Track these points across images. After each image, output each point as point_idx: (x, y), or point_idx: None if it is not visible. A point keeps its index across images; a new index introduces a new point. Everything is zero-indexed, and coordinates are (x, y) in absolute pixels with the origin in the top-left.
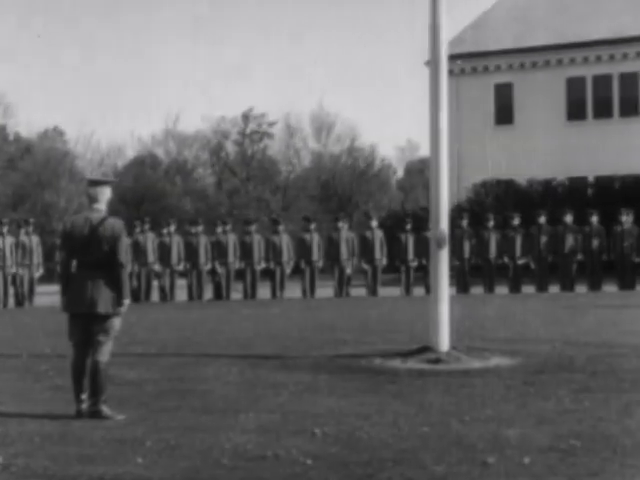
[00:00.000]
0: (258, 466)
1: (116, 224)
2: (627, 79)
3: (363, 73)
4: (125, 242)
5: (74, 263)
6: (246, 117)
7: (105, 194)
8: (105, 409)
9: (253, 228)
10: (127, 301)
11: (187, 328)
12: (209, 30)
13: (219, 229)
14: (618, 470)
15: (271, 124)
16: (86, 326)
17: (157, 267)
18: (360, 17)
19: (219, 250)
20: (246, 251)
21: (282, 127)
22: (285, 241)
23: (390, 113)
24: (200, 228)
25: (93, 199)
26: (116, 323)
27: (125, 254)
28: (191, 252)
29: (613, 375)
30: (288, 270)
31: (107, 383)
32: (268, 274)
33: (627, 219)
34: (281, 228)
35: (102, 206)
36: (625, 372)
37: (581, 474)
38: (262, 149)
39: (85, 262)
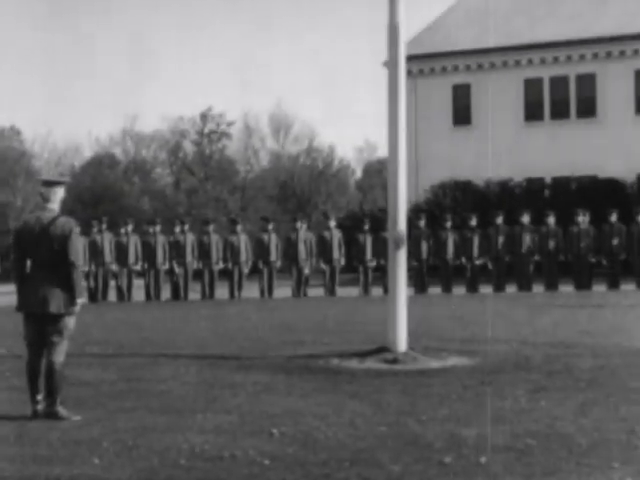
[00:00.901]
0: (215, 466)
1: (67, 223)
2: (584, 80)
3: (322, 73)
4: (76, 241)
5: (28, 263)
6: (204, 117)
7: (58, 194)
8: (61, 410)
9: (211, 228)
10: (81, 300)
11: (144, 328)
12: (166, 29)
13: (177, 229)
14: (574, 469)
15: (229, 124)
16: (40, 326)
17: (114, 267)
18: (319, 17)
19: (177, 250)
20: (204, 251)
21: (240, 127)
22: (243, 241)
23: (349, 114)
24: (158, 228)
25: (46, 199)
26: (70, 323)
27: (76, 253)
28: (149, 252)
29: (569, 375)
30: (246, 270)
31: (63, 384)
32: (226, 274)
33: (583, 220)
34: (239, 228)
35: (55, 206)
36: (581, 372)
37: (537, 473)
38: (220, 149)
39: (37, 262)
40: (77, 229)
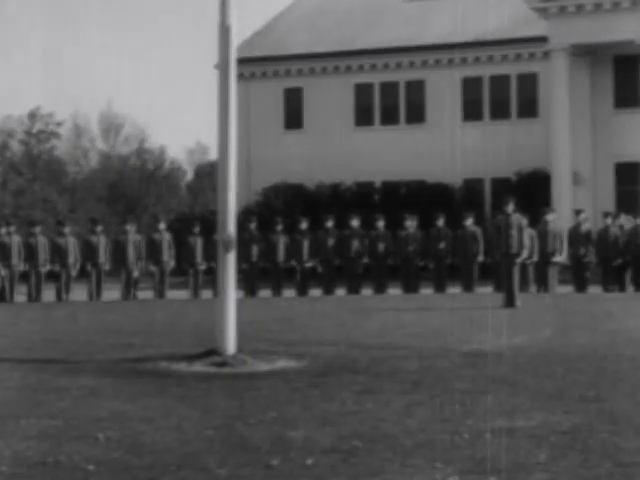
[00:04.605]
0: (38, 472)
1: None
2: (413, 86)
3: (153, 74)
4: None
5: None
6: (33, 116)
7: None
8: None
9: (38, 230)
10: None
11: None
12: None
13: (3, 230)
14: (398, 470)
15: (58, 124)
16: None
17: None
18: (151, 17)
19: (2, 252)
20: (30, 253)
21: (70, 127)
22: (71, 243)
23: (180, 115)
24: None
25: None
26: None
27: None
28: None
29: (395, 377)
30: (74, 272)
31: None
32: (53, 276)
33: (411, 224)
34: (67, 230)
35: None
36: (407, 374)
37: (362, 474)
38: (49, 149)
39: None
40: None
